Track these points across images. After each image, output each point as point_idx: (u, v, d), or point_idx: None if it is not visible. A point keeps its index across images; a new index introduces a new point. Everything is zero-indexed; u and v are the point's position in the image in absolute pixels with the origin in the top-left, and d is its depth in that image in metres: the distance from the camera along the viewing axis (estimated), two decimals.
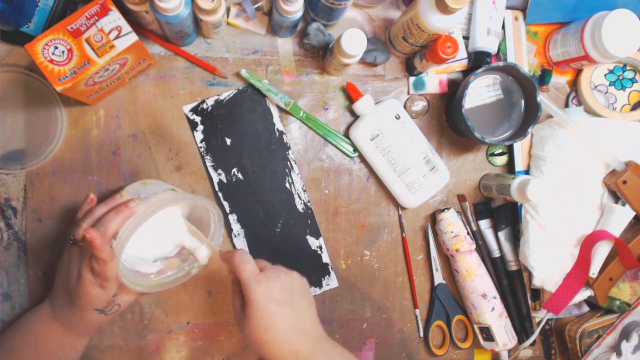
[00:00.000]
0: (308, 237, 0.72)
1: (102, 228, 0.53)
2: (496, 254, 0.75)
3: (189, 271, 0.63)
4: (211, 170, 0.70)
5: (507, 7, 0.74)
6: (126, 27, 0.56)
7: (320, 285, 0.73)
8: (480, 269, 0.72)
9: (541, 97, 0.68)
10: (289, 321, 0.53)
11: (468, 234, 0.72)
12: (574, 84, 0.77)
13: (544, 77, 0.76)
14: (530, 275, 0.72)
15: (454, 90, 0.73)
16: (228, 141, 0.70)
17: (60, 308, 0.59)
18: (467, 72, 0.74)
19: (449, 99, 0.74)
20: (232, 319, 0.71)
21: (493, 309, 0.71)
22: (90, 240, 0.51)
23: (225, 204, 0.70)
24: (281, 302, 0.53)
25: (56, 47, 0.54)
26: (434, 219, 0.75)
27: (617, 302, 0.74)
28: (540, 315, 0.75)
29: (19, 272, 0.67)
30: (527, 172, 0.74)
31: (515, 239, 0.74)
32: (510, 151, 0.76)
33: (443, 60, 0.65)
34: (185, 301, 0.70)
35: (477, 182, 0.77)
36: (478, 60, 0.71)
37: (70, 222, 0.64)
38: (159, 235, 0.62)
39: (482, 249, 0.75)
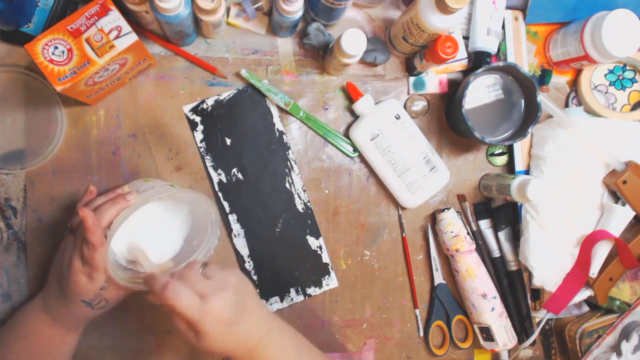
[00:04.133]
0: (308, 237, 0.72)
1: (97, 216, 0.54)
2: (496, 254, 0.75)
3: None
4: (211, 170, 0.70)
5: (507, 7, 0.73)
6: (126, 27, 0.56)
7: (320, 285, 0.73)
8: (480, 269, 0.72)
9: (541, 97, 0.68)
10: (242, 333, 0.51)
11: (468, 234, 0.72)
12: (574, 84, 0.77)
13: (544, 77, 0.76)
14: (530, 275, 0.72)
15: (454, 90, 0.73)
16: (228, 141, 0.70)
17: (50, 297, 0.59)
18: (467, 72, 0.74)
19: (449, 99, 0.74)
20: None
21: (493, 309, 0.71)
22: (82, 219, 0.52)
23: (225, 204, 0.70)
24: (234, 319, 0.50)
25: (56, 47, 0.54)
26: (434, 219, 0.75)
27: (617, 302, 0.74)
28: (540, 315, 0.75)
29: (19, 272, 0.67)
30: (527, 172, 0.74)
31: (515, 239, 0.74)
32: (510, 151, 0.76)
33: (443, 60, 0.65)
34: None
35: (477, 182, 0.76)
36: (478, 60, 0.71)
37: None
38: (157, 239, 0.62)
39: (482, 249, 0.75)
